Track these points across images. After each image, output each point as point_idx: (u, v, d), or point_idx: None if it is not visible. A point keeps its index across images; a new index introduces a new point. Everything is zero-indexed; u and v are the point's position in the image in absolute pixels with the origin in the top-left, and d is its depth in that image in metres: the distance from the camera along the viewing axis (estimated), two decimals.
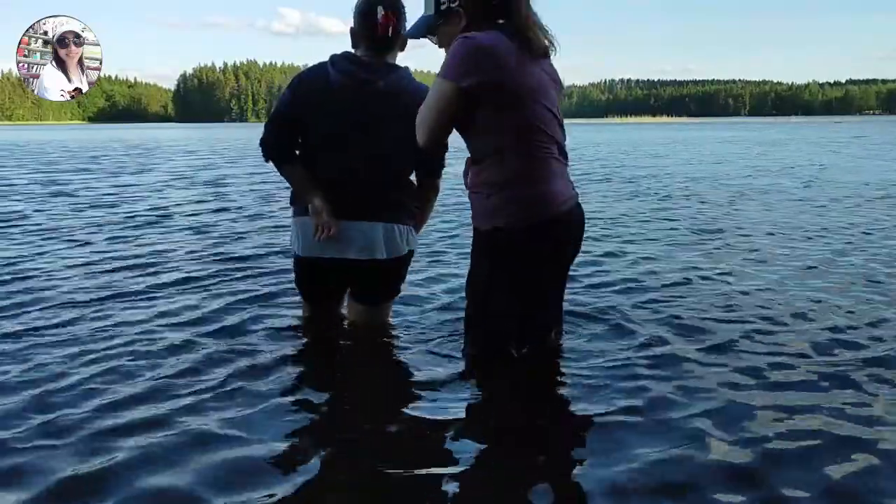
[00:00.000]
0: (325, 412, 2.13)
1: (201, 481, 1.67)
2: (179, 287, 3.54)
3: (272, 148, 2.51)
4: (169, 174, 11.85)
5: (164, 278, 3.74)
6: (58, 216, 6.40)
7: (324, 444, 1.91)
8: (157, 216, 6.41)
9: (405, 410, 2.11)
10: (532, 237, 2.18)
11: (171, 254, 4.51)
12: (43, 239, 5.05)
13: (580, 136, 35.85)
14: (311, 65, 2.54)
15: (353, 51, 2.51)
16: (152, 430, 1.93)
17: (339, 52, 2.51)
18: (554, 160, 2.22)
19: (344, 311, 2.86)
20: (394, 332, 2.79)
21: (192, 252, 4.56)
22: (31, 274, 3.84)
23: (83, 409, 2.05)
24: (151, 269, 4.00)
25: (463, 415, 2.09)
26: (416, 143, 2.39)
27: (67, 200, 7.74)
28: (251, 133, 45.99)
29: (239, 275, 3.83)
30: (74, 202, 7.57)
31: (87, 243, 4.90)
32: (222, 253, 4.50)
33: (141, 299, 3.31)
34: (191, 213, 6.78)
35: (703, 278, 3.78)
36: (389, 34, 2.42)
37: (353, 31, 2.51)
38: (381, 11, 2.38)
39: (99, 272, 3.92)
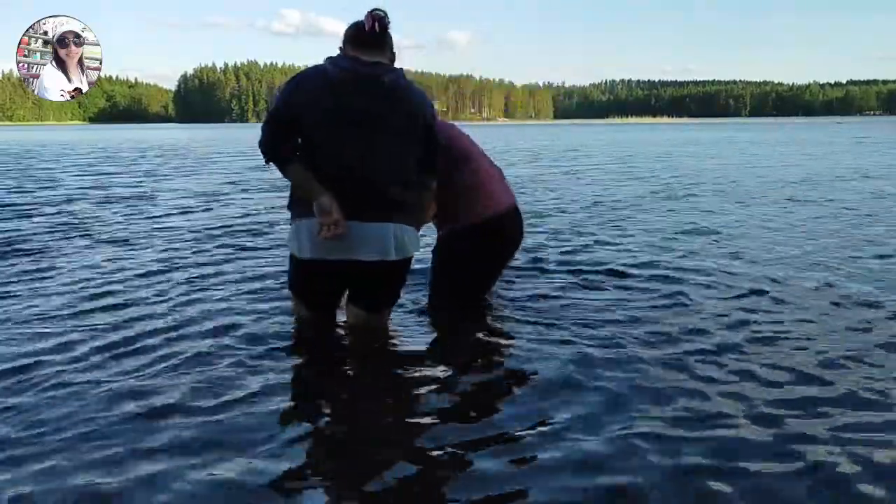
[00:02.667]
0: (327, 416, 2.14)
1: (197, 483, 1.69)
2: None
3: (273, 149, 2.45)
4: (222, 177, 11.20)
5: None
6: (147, 224, 5.89)
7: (322, 448, 1.92)
8: (259, 224, 5.80)
9: (403, 413, 2.13)
10: (458, 237, 2.96)
11: None
12: (159, 252, 4.51)
13: (603, 135, 35.80)
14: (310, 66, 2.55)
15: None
16: (149, 429, 1.94)
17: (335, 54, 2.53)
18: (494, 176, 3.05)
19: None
20: (392, 335, 2.79)
21: None
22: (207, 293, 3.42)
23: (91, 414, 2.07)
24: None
25: (461, 414, 2.10)
26: (417, 144, 2.51)
27: (139, 205, 7.24)
28: (257, 133, 44.62)
29: None
30: (155, 208, 7.00)
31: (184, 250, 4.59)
32: None
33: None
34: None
35: None
36: (377, 30, 2.47)
37: (342, 49, 2.54)
38: (366, 15, 2.49)
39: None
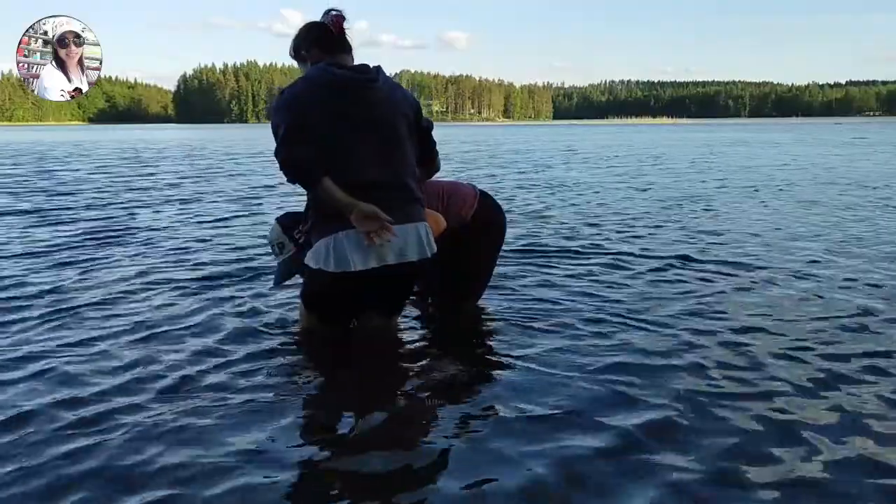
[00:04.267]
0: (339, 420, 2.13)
1: (198, 483, 1.69)
2: None
3: (307, 169, 2.32)
4: (260, 178, 10.68)
5: None
6: (199, 230, 5.54)
7: (328, 453, 1.92)
8: None
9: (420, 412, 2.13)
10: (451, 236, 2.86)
11: None
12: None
13: (614, 136, 35.75)
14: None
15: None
16: (151, 429, 1.94)
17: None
18: None
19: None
20: (402, 338, 2.76)
21: None
22: None
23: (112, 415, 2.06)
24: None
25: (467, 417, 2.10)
26: (415, 142, 2.56)
27: (188, 209, 6.91)
28: (258, 133, 44.95)
29: None
30: (206, 214, 6.57)
31: None
32: None
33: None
34: None
35: None
36: (344, 32, 2.48)
37: (303, 55, 2.52)
38: (326, 17, 2.49)
39: None
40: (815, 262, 4.15)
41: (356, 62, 2.53)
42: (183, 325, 2.90)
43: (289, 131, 2.33)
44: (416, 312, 3.08)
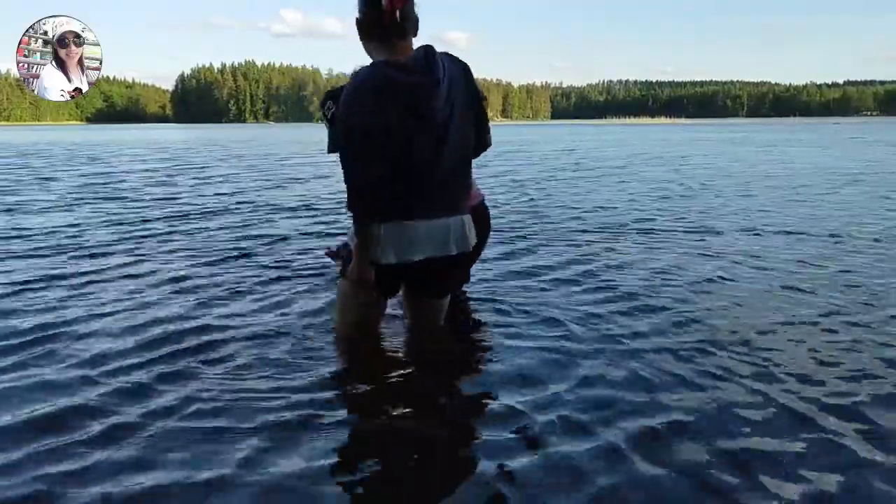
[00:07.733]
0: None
1: (202, 477, 1.69)
2: None
3: (378, 197, 2.18)
4: (324, 184, 9.76)
5: None
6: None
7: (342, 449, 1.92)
8: None
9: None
10: None
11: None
12: None
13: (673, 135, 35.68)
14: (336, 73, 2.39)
15: (374, 57, 2.25)
16: (162, 415, 1.95)
17: (364, 65, 2.23)
18: None
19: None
20: (391, 331, 2.76)
21: None
22: None
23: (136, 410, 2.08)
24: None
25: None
26: (474, 126, 2.38)
27: (276, 218, 6.23)
28: (262, 133, 44.99)
29: None
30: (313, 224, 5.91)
31: None
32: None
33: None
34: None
35: None
36: (398, 19, 2.18)
37: (360, 22, 2.24)
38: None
39: None
40: None
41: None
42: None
43: (359, 148, 2.16)
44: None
